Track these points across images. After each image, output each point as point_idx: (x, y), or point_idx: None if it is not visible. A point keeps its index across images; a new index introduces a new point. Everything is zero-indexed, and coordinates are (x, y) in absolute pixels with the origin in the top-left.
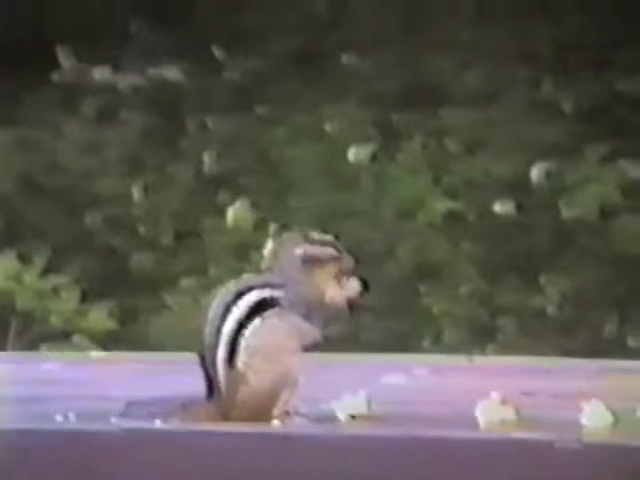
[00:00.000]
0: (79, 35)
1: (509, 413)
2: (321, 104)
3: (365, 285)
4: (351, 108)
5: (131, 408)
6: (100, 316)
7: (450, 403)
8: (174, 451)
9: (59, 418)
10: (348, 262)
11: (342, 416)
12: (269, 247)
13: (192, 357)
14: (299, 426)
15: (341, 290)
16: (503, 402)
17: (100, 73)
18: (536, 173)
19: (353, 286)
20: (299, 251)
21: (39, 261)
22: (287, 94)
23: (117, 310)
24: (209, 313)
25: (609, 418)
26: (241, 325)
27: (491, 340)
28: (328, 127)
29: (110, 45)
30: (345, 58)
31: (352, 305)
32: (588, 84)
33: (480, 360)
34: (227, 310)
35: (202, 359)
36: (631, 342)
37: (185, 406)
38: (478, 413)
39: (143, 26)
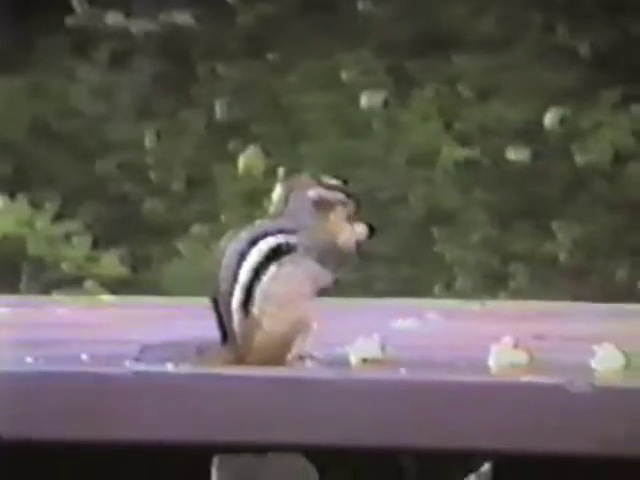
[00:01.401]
0: None
1: (522, 357)
2: (333, 51)
3: (371, 229)
4: (364, 55)
5: (145, 352)
6: (112, 262)
7: (462, 347)
8: (188, 394)
9: (73, 361)
10: (353, 206)
11: (354, 360)
12: (278, 191)
13: (205, 302)
14: (312, 370)
15: (351, 234)
16: (515, 346)
17: (112, 18)
18: (549, 119)
19: (361, 230)
20: (312, 194)
21: (51, 207)
22: (299, 41)
23: (129, 256)
24: (223, 259)
25: (621, 360)
26: (257, 272)
27: (503, 287)
28: (340, 74)
29: None
30: (359, 5)
31: (359, 249)
32: (602, 29)
33: (492, 305)
34: (242, 257)
35: (215, 304)
36: None
37: (200, 350)
38: (491, 357)
39: None
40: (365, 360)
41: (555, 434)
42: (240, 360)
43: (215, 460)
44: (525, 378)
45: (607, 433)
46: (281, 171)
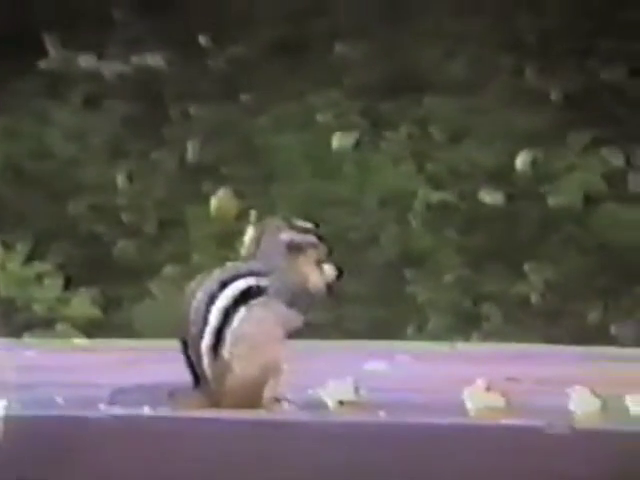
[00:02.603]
0: (63, 23)
1: (497, 400)
2: (305, 93)
3: (340, 271)
4: (336, 96)
5: (118, 395)
6: (83, 304)
7: (435, 390)
8: (163, 438)
9: (46, 405)
10: (324, 249)
11: (330, 402)
12: (250, 234)
13: (176, 344)
14: (288, 413)
15: (321, 277)
16: (488, 389)
17: (85, 61)
18: (520, 161)
19: (330, 272)
20: (284, 238)
21: (22, 248)
22: (271, 82)
23: (100, 298)
24: (193, 302)
25: (596, 404)
26: (227, 314)
27: (475, 328)
28: (313, 116)
29: (94, 33)
30: (331, 47)
31: (329, 291)
32: (572, 72)
33: (463, 347)
34: (212, 299)
35: (185, 347)
36: (614, 330)
37: (173, 394)
38: (466, 399)
39: (127, 13)
40: (341, 403)
41: (533, 476)
42: (215, 404)
43: None
44: (503, 420)
45: (585, 475)
46: (253, 214)
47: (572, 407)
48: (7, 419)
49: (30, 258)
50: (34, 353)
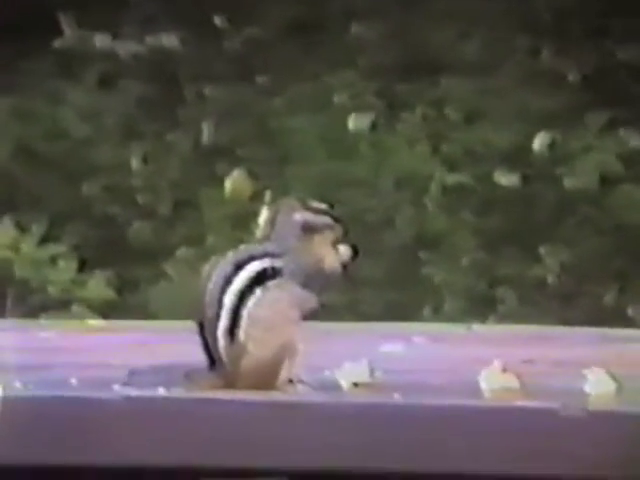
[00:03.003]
0: (78, 2)
1: (513, 381)
2: (321, 74)
3: (355, 251)
4: (351, 77)
5: (134, 376)
6: (98, 285)
7: (451, 371)
8: (178, 419)
9: (59, 386)
10: (340, 229)
11: (345, 384)
12: (265, 215)
13: (191, 326)
14: (302, 394)
15: (336, 257)
16: (504, 370)
17: (100, 41)
18: (537, 142)
19: (345, 252)
20: (299, 218)
21: (37, 230)
22: (287, 63)
23: (115, 279)
24: (208, 284)
25: (612, 385)
26: (242, 296)
27: (491, 310)
28: (329, 97)
29: (109, 12)
30: (347, 27)
31: (344, 272)
32: (588, 52)
33: (479, 329)
34: (227, 281)
35: (201, 329)
36: (631, 312)
37: (188, 375)
38: (481, 381)
39: None
40: (356, 384)
41: (547, 458)
42: (230, 385)
43: None
44: (518, 402)
45: (599, 458)
46: (268, 194)
47: (587, 389)
48: (20, 400)
49: (44, 240)
50: (49, 334)
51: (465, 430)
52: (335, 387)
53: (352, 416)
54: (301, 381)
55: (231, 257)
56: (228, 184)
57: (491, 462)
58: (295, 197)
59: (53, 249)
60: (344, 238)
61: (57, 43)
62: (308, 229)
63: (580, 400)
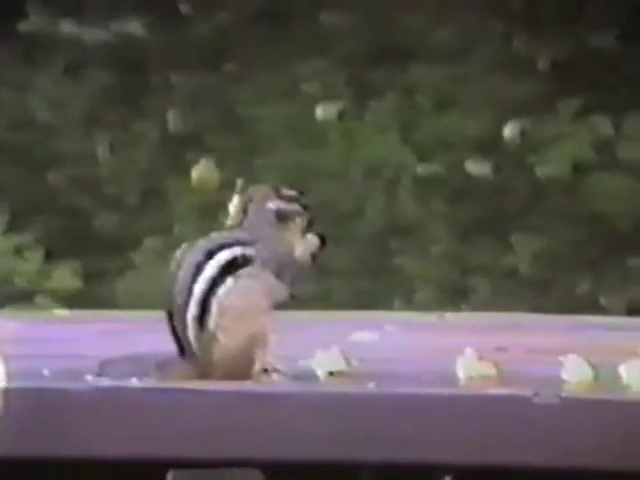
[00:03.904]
0: None
1: (489, 369)
2: (289, 62)
3: (323, 240)
4: (320, 66)
5: (106, 367)
6: (64, 276)
7: (425, 360)
8: (151, 409)
9: (31, 377)
10: (307, 217)
11: (320, 373)
12: (236, 202)
13: (159, 316)
14: (276, 383)
15: (306, 246)
16: (480, 358)
17: (66, 27)
18: (508, 130)
19: (313, 242)
20: (272, 206)
21: (1, 220)
22: (255, 51)
23: (82, 270)
24: (179, 272)
25: (589, 373)
26: (213, 284)
27: (464, 300)
28: (297, 85)
29: None
30: (316, 16)
31: (316, 261)
32: (560, 39)
33: (452, 317)
34: (198, 269)
35: (170, 318)
36: (604, 301)
37: (161, 365)
38: (458, 369)
39: None
40: (331, 373)
41: (522, 446)
42: (204, 375)
43: (169, 476)
44: (492, 390)
45: (574, 445)
46: (239, 182)
47: (564, 376)
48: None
49: (9, 230)
50: (16, 325)
51: (440, 418)
52: (311, 376)
53: (327, 406)
54: (276, 370)
55: (202, 245)
56: (195, 174)
57: (466, 451)
58: (267, 185)
59: (17, 240)
60: (310, 227)
61: (21, 28)
62: (281, 217)
63: (556, 387)
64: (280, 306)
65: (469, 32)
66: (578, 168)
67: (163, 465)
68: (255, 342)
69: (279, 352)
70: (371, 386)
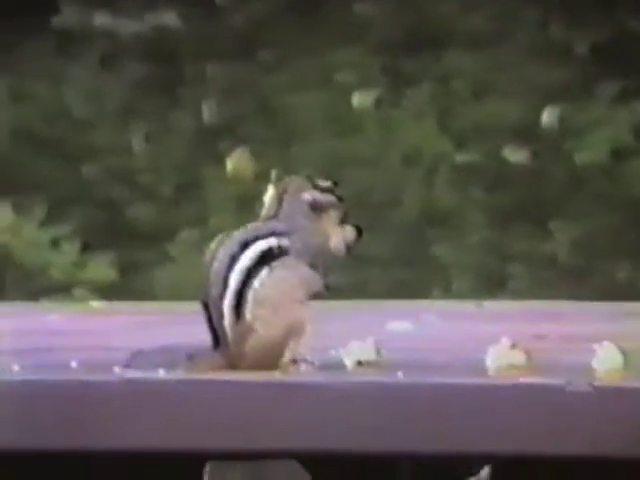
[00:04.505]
0: None
1: (520, 358)
2: (324, 50)
3: (359, 232)
4: (355, 54)
5: (136, 358)
6: (100, 267)
7: (459, 349)
8: (179, 401)
9: (62, 369)
10: (343, 208)
11: (349, 363)
12: (271, 193)
13: (196, 307)
14: (306, 374)
15: (342, 237)
16: (513, 347)
17: (100, 19)
18: (546, 117)
19: (350, 233)
20: (307, 197)
21: (37, 213)
22: (290, 40)
23: (118, 261)
24: (214, 262)
25: (620, 360)
26: (249, 275)
27: (501, 288)
28: (332, 74)
29: None
30: (350, 4)
31: (352, 252)
32: (598, 23)
33: (489, 305)
34: (233, 260)
35: (206, 308)
36: None
37: (191, 356)
38: (488, 358)
39: None
40: (360, 363)
41: (554, 435)
42: (233, 365)
43: (207, 467)
44: (523, 379)
45: (606, 434)
46: (274, 173)
47: (595, 364)
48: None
49: (45, 223)
50: (51, 317)
51: (468, 408)
52: (339, 366)
53: (353, 395)
54: (305, 360)
55: (237, 236)
56: (229, 163)
57: (496, 441)
58: (302, 176)
59: (54, 232)
60: (346, 218)
61: (55, 22)
62: (316, 208)
63: (587, 376)
64: (317, 296)
65: (505, 18)
66: (617, 153)
67: (197, 457)
68: (291, 332)
69: (313, 342)
70: (399, 375)
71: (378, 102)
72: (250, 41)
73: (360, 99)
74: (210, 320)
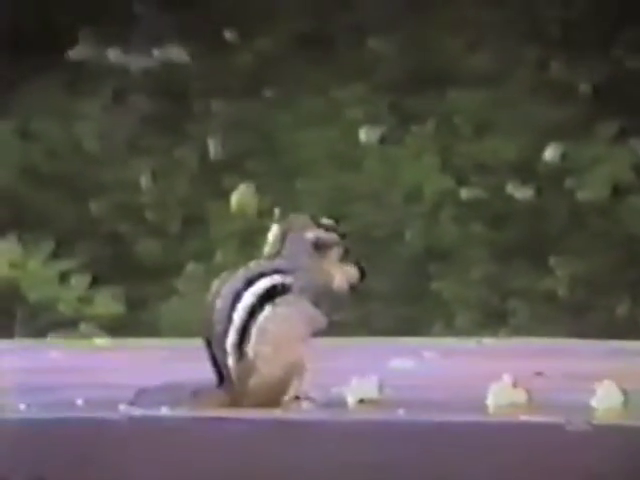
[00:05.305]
0: (89, 17)
1: (521, 396)
2: (328, 87)
3: (362, 271)
4: (361, 91)
5: (141, 396)
6: (107, 302)
7: (461, 387)
8: (183, 439)
9: (65, 407)
10: (344, 246)
11: (351, 401)
12: (274, 231)
13: (200, 343)
14: (308, 411)
15: (345, 276)
16: (515, 385)
17: (112, 54)
18: (548, 154)
19: (352, 272)
20: (310, 236)
21: (45, 248)
22: (295, 77)
23: (124, 296)
24: (218, 300)
25: (620, 398)
26: (252, 313)
27: (503, 323)
28: (337, 110)
29: (119, 26)
30: (357, 41)
31: (351, 290)
32: (598, 62)
33: (490, 343)
34: (237, 297)
35: (209, 345)
36: None
37: (195, 393)
38: (489, 396)
39: (150, 6)
40: (362, 401)
41: (553, 474)
42: (236, 402)
43: None
44: (523, 417)
45: (605, 472)
46: (277, 211)
47: (594, 403)
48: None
49: (53, 257)
50: (57, 354)
51: (468, 446)
52: (341, 404)
53: (354, 433)
54: (308, 398)
55: (241, 273)
56: (234, 199)
57: (494, 478)
58: (305, 214)
59: (61, 267)
60: (347, 255)
61: (71, 55)
62: (319, 247)
63: (587, 414)
64: (319, 332)
65: (507, 56)
66: (617, 191)
67: None
68: (293, 370)
69: (316, 379)
70: (400, 413)
71: (382, 138)
72: (257, 77)
73: (367, 135)
74: (214, 357)
